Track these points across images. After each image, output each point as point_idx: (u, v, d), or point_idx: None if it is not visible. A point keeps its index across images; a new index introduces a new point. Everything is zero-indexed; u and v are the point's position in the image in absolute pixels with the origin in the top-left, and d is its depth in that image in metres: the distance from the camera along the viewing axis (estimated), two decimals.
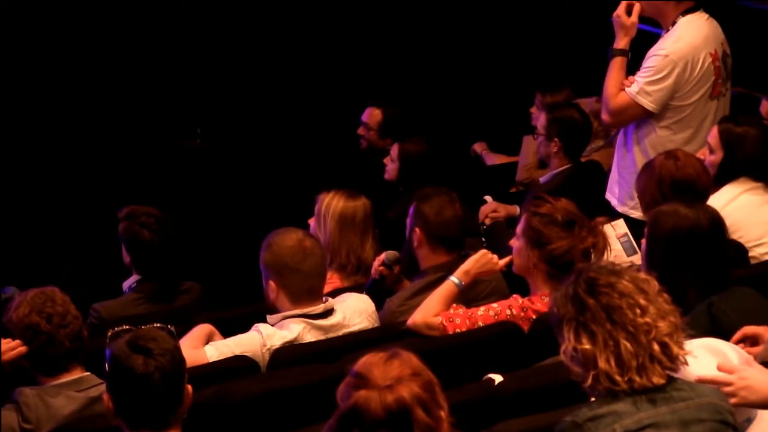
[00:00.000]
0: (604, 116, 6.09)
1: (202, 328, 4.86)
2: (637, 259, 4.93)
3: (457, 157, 8.55)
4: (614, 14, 6.01)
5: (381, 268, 5.42)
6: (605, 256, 4.80)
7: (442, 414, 3.05)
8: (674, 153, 5.29)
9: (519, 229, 4.85)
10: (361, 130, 8.16)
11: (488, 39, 9.89)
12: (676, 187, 5.10)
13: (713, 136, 5.58)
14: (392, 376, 3.03)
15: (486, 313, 4.82)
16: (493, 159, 8.46)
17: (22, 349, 4.26)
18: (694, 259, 4.29)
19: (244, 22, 10.04)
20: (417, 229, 5.30)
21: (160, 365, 3.49)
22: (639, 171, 5.39)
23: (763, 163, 5.60)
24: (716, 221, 4.41)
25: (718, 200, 5.35)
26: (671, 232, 4.36)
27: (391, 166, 7.11)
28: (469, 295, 5.02)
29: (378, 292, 5.36)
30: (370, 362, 3.08)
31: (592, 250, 4.73)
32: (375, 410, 2.99)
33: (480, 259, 4.96)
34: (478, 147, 8.58)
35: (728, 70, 6.08)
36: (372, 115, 8.13)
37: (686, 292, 4.02)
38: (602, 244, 4.76)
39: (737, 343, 3.98)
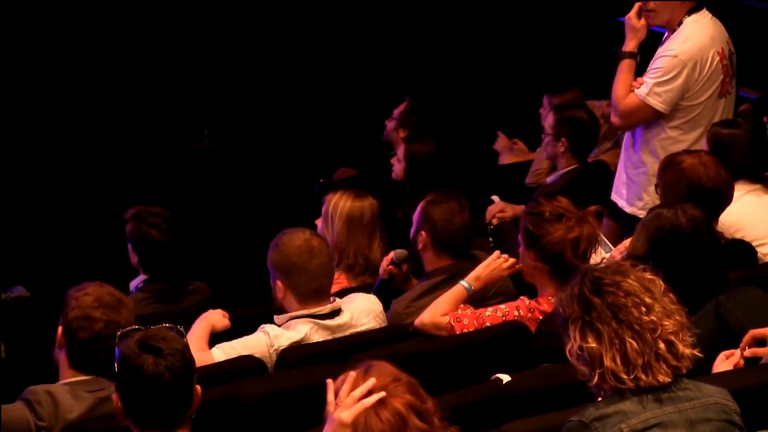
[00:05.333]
0: (614, 119, 6.08)
1: (204, 325, 4.85)
2: None
3: (465, 156, 8.55)
4: (627, 16, 6.01)
5: (390, 267, 5.42)
6: (598, 248, 4.84)
7: (430, 406, 3.06)
8: (704, 158, 5.17)
9: (519, 235, 4.88)
10: (388, 119, 8.32)
11: (500, 39, 9.90)
12: (704, 195, 5.01)
13: (703, 142, 5.62)
14: (381, 387, 3.03)
15: (494, 314, 4.84)
16: (506, 158, 8.46)
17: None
18: (676, 259, 4.31)
19: (251, 23, 10.05)
20: (423, 233, 5.29)
21: (171, 365, 3.49)
22: (662, 165, 5.34)
23: (754, 164, 5.61)
24: (697, 222, 4.42)
25: None
26: (654, 234, 4.40)
27: (398, 167, 7.11)
28: (475, 295, 5.02)
29: (386, 292, 5.36)
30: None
31: (582, 241, 4.74)
32: (379, 430, 2.98)
33: (490, 265, 4.97)
34: (500, 144, 8.57)
35: (734, 68, 6.07)
36: (401, 107, 8.29)
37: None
38: (588, 231, 4.76)
39: (746, 346, 4.02)
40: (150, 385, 3.47)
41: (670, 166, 5.24)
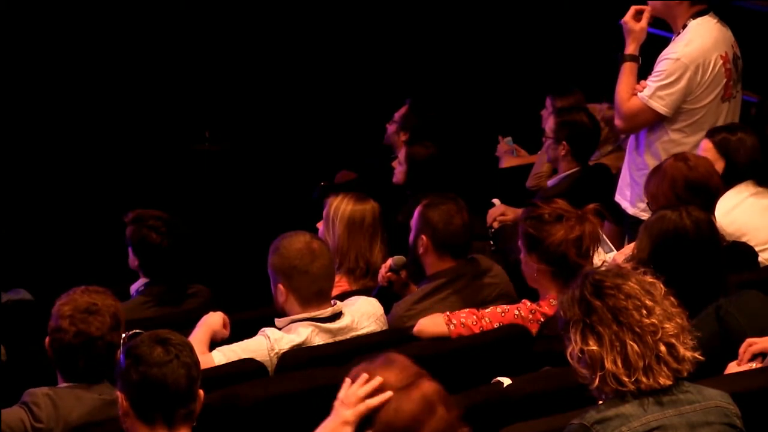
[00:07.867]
0: (618, 122, 6.08)
1: (205, 329, 4.84)
2: None
3: (466, 159, 8.56)
4: (622, 19, 6.01)
5: (388, 273, 5.41)
6: (599, 247, 4.84)
7: (452, 399, 3.08)
8: (684, 155, 5.30)
9: (519, 241, 4.87)
10: (389, 123, 8.32)
11: (502, 41, 9.91)
12: (691, 188, 5.09)
13: (708, 148, 5.61)
14: (409, 375, 3.06)
15: (494, 311, 4.83)
16: (507, 161, 8.47)
17: None
18: (679, 262, 4.32)
19: (252, 26, 10.06)
20: (424, 237, 5.27)
21: (180, 353, 3.53)
22: (647, 175, 5.39)
23: (762, 167, 5.62)
24: (701, 225, 4.43)
25: (723, 205, 5.36)
26: (657, 236, 4.40)
27: (399, 170, 7.12)
28: (476, 299, 5.02)
29: (386, 297, 5.36)
30: (372, 369, 3.09)
31: (585, 239, 4.73)
32: (409, 411, 3.00)
33: None
34: (501, 148, 8.58)
35: (739, 73, 6.08)
36: (401, 110, 8.30)
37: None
38: (590, 229, 4.75)
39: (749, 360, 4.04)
40: (160, 373, 3.50)
41: (649, 179, 5.28)
